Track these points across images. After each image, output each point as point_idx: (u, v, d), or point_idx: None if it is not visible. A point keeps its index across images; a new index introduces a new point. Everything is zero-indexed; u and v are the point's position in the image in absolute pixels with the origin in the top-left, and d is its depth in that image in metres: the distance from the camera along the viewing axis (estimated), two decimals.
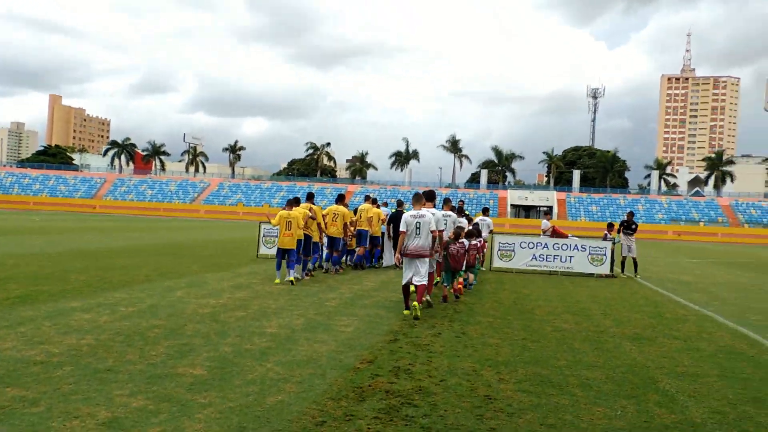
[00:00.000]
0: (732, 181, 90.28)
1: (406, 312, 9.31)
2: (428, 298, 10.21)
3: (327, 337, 7.42)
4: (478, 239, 13.34)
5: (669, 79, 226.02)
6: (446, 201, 12.37)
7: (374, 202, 17.34)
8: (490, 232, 17.38)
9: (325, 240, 14.60)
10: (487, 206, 21.86)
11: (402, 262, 9.56)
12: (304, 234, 12.98)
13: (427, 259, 9.51)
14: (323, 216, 14.19)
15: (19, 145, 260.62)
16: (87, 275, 12.21)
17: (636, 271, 17.44)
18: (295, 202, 13.19)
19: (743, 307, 11.99)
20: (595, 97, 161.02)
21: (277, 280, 12.42)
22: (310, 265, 13.74)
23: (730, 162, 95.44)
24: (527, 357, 6.83)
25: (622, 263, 17.72)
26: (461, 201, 19.06)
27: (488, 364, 6.41)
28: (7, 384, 5.03)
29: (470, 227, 13.17)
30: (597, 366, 6.54)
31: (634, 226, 17.57)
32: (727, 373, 6.46)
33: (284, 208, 12.78)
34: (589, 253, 16.85)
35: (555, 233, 17.78)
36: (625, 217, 18.09)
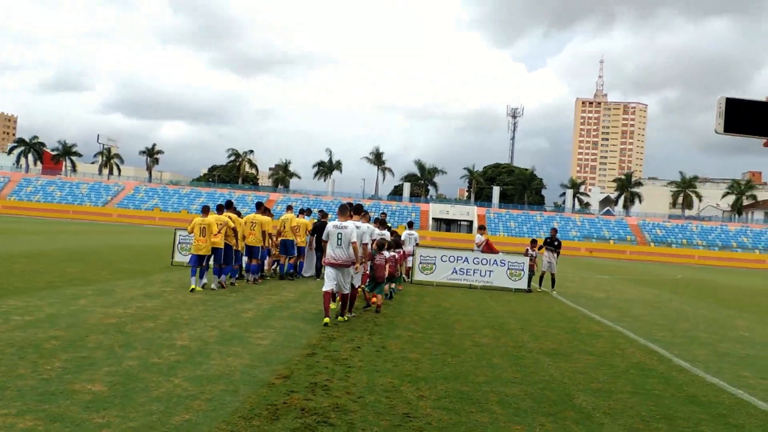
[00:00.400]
0: (640, 201, 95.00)
1: (326, 319, 9.22)
2: (348, 315, 10.03)
3: (241, 350, 7.08)
4: (396, 251, 13.48)
5: (583, 102, 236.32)
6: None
7: (302, 212, 17.10)
8: (417, 245, 17.47)
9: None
10: (411, 219, 21.81)
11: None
12: (225, 243, 12.71)
13: (349, 269, 9.65)
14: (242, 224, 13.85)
15: None
16: None
17: (553, 286, 17.86)
18: (218, 209, 13.15)
19: (650, 323, 12.43)
20: (514, 117, 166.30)
21: (193, 286, 12.09)
22: (224, 276, 13.28)
23: (639, 183, 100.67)
24: (447, 372, 6.74)
25: (541, 278, 18.11)
26: (383, 213, 19.03)
27: (408, 380, 6.27)
28: None
29: (392, 239, 13.23)
30: (516, 382, 6.52)
31: (557, 243, 18.02)
32: (639, 390, 6.58)
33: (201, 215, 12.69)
34: (508, 268, 17.12)
35: (487, 248, 17.94)
36: (550, 233, 18.61)
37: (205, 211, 12.75)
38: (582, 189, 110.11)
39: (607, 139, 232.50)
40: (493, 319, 11.26)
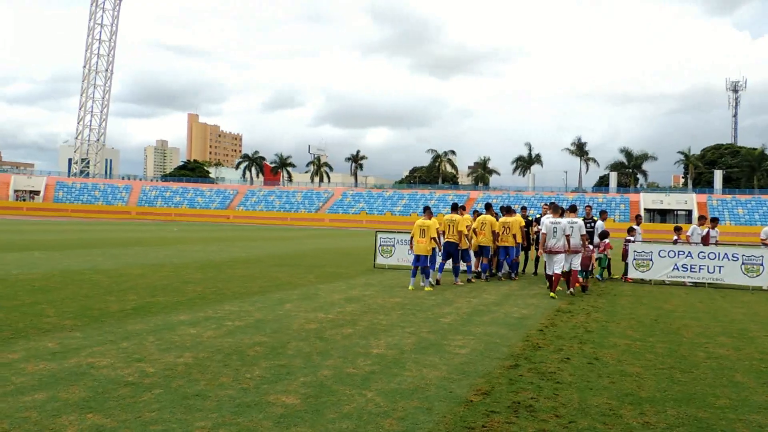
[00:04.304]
0: None
1: (551, 294, 12.07)
2: (572, 291, 12.60)
3: (438, 360, 6.64)
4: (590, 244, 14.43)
5: None
6: (570, 208, 13.63)
7: (476, 212, 16.75)
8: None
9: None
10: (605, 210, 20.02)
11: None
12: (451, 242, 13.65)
13: (561, 255, 12.19)
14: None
15: (164, 160, 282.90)
16: (203, 286, 12.23)
17: None
18: (453, 208, 14.21)
19: None
20: (735, 91, 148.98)
21: (411, 287, 12.77)
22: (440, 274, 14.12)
23: None
24: (677, 392, 5.69)
25: None
26: (588, 206, 17.65)
27: (628, 401, 5.36)
28: (90, 409, 4.70)
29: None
30: None
31: None
32: None
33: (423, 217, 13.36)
34: (743, 263, 14.82)
35: None
36: None
37: (427, 212, 13.25)
38: None
39: None
40: (729, 324, 9.64)
